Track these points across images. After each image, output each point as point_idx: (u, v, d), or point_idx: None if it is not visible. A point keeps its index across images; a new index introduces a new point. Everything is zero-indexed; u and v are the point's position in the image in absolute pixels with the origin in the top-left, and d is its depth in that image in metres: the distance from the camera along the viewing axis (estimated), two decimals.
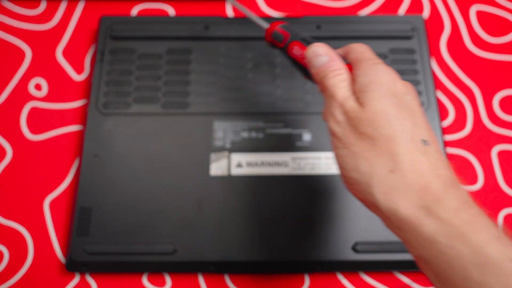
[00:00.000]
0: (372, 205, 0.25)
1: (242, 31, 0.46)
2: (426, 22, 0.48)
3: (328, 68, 0.29)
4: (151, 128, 0.43)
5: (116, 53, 0.46)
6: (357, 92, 0.27)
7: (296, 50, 0.33)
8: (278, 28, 0.34)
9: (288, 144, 0.42)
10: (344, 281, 0.40)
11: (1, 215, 0.42)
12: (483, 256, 0.21)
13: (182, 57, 0.46)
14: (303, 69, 0.33)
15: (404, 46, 0.46)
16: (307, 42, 0.33)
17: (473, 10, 0.50)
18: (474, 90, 0.47)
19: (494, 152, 0.44)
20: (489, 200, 0.42)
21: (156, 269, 0.39)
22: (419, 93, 0.44)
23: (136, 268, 0.39)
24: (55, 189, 0.43)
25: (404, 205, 0.23)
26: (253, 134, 0.43)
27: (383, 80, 0.27)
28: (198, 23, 0.47)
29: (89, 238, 0.39)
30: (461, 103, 0.46)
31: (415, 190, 0.23)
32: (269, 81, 0.45)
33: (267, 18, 0.47)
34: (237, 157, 0.42)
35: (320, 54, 0.30)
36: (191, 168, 0.41)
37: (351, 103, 0.26)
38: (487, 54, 0.48)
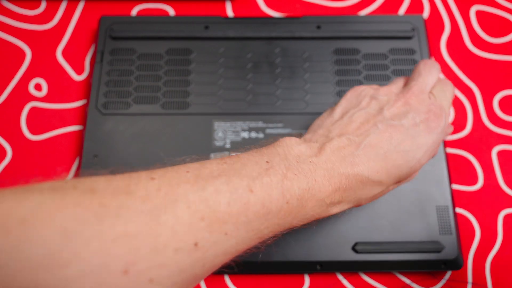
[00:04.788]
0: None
1: (242, 31, 0.46)
2: (426, 22, 0.48)
3: None
4: (151, 128, 0.43)
5: (116, 53, 0.46)
6: None
7: None
8: None
9: None
10: (344, 281, 0.40)
11: None
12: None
13: (182, 57, 0.46)
14: None
15: (404, 46, 0.46)
16: None
17: (473, 10, 0.50)
18: (474, 90, 0.47)
19: (494, 152, 0.44)
20: (489, 200, 0.42)
21: None
22: None
23: None
24: None
25: None
26: (253, 134, 0.43)
27: None
28: (198, 23, 0.47)
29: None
30: (461, 103, 0.46)
31: None
32: (269, 81, 0.45)
33: (267, 19, 0.48)
34: None
35: None
36: None
37: None
38: (487, 54, 0.48)
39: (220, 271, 0.39)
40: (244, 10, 0.50)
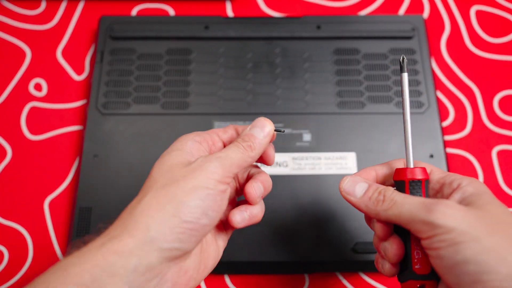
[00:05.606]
0: None
1: (242, 31, 0.46)
2: (426, 22, 0.48)
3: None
4: (151, 128, 0.43)
5: (116, 53, 0.46)
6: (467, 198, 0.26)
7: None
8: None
9: (288, 144, 0.42)
10: (344, 281, 0.40)
11: (1, 215, 0.42)
12: None
13: (182, 57, 0.46)
14: None
15: (404, 46, 0.46)
16: None
17: (473, 10, 0.50)
18: (474, 90, 0.47)
19: (494, 152, 0.44)
20: None
21: None
22: (419, 93, 0.44)
23: None
24: (55, 189, 0.43)
25: None
26: None
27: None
28: (198, 23, 0.47)
29: (89, 238, 0.39)
30: (461, 103, 0.46)
31: None
32: (269, 81, 0.45)
33: (267, 19, 0.48)
34: None
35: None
36: None
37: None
38: (487, 54, 0.48)
39: (220, 271, 0.39)
40: (244, 10, 0.50)
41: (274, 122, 0.43)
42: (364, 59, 0.46)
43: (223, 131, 0.31)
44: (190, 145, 0.29)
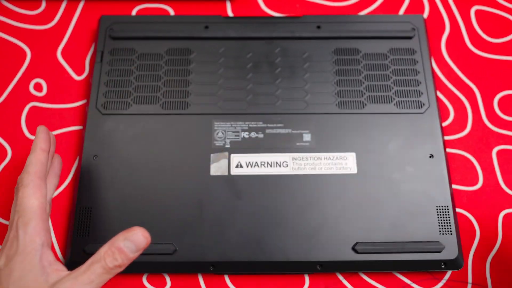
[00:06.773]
0: None
1: (242, 31, 0.46)
2: (426, 22, 0.48)
3: None
4: (151, 128, 0.43)
5: (116, 53, 0.46)
6: None
7: None
8: None
9: (288, 144, 0.42)
10: (344, 281, 0.40)
11: (1, 215, 0.42)
12: None
13: (182, 57, 0.46)
14: None
15: (404, 46, 0.46)
16: None
17: (473, 10, 0.50)
18: (474, 90, 0.47)
19: (494, 152, 0.44)
20: (489, 200, 0.42)
21: (156, 270, 0.39)
22: (420, 93, 0.44)
23: (136, 268, 0.39)
24: (55, 189, 0.42)
25: None
26: (253, 134, 0.43)
27: None
28: (198, 23, 0.47)
29: (89, 238, 0.39)
30: (461, 103, 0.46)
31: None
32: (269, 81, 0.45)
33: (267, 18, 0.48)
34: (237, 158, 0.42)
35: None
36: (191, 168, 0.41)
37: None
38: (487, 54, 0.48)
39: (220, 271, 0.39)
40: (244, 10, 0.50)
41: (274, 122, 0.43)
42: (364, 59, 0.46)
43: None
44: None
